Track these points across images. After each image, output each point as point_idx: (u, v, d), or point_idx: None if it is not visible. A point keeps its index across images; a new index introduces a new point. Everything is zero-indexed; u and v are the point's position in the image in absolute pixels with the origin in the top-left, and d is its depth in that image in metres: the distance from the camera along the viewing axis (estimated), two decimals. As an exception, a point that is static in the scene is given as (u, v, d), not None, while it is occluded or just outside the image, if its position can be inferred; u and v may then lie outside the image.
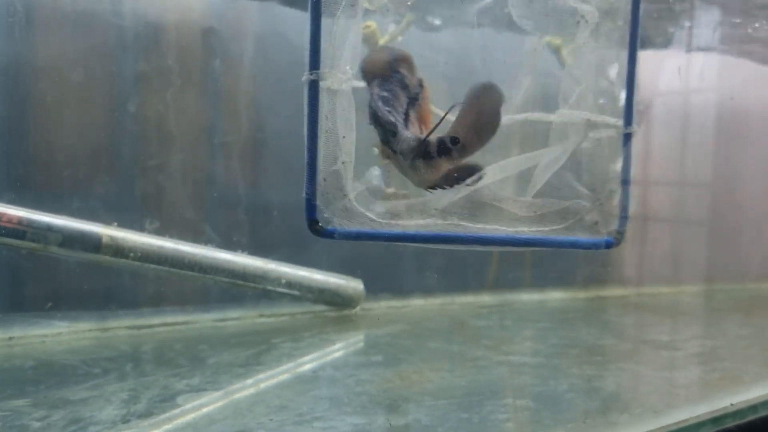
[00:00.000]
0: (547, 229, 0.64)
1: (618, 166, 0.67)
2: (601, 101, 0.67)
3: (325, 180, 0.60)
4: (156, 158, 1.06)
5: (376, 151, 0.63)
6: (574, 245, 0.66)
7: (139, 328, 1.00)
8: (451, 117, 0.62)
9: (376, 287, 1.17)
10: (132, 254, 0.95)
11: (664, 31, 1.33)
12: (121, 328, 0.99)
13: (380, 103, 0.61)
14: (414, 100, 0.64)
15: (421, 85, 0.65)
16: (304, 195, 0.59)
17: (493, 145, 0.63)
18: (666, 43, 1.39)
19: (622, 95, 0.67)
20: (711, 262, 1.57)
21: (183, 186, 1.08)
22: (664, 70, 1.45)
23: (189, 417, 0.68)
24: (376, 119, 0.61)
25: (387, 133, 0.61)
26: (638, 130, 0.67)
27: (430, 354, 0.96)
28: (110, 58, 1.02)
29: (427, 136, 0.61)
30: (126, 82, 1.03)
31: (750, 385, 0.83)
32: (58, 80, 0.99)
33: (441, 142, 0.61)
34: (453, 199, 0.62)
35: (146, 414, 0.67)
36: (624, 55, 0.66)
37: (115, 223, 0.96)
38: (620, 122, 0.66)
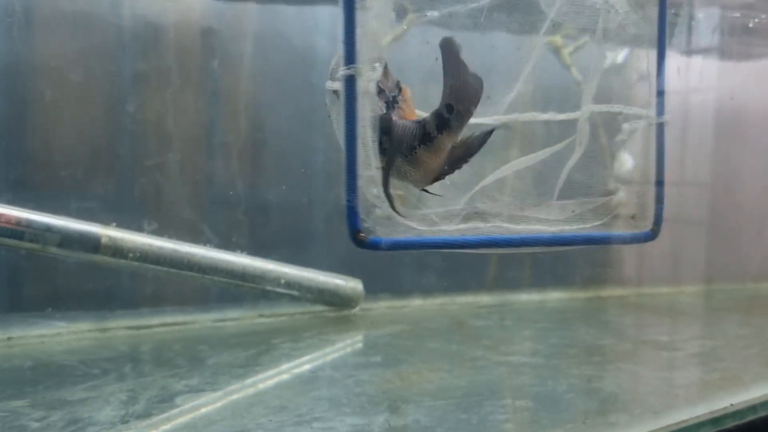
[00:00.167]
0: (588, 226, 0.64)
1: (650, 158, 0.66)
2: (628, 93, 0.66)
3: (362, 187, 0.56)
4: (155, 158, 1.06)
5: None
6: (615, 240, 0.66)
7: (138, 328, 1.00)
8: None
9: (375, 287, 1.17)
10: (131, 254, 0.95)
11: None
12: (120, 328, 0.99)
13: None
14: (393, 103, 0.62)
15: (398, 87, 0.63)
16: (345, 203, 0.56)
17: (498, 147, 0.62)
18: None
19: (648, 86, 0.66)
20: (711, 262, 1.57)
21: (182, 186, 1.08)
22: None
23: (188, 417, 0.67)
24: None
25: (380, 133, 0.58)
26: (670, 121, 0.66)
27: (429, 354, 0.96)
28: (109, 58, 1.02)
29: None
30: (125, 82, 1.03)
31: (750, 386, 0.83)
32: (56, 80, 0.99)
33: (437, 115, 0.60)
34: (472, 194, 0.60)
35: (145, 415, 0.66)
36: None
37: (114, 224, 0.96)
38: (652, 113, 0.66)
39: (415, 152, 0.60)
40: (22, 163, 0.98)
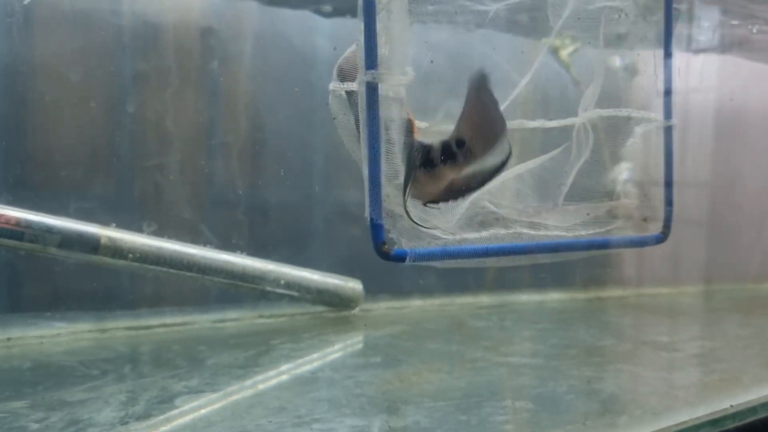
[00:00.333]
0: (603, 230, 0.63)
1: (658, 160, 0.66)
2: (635, 97, 0.66)
3: (388, 197, 0.54)
4: (154, 158, 1.06)
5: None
6: (628, 244, 0.65)
7: (137, 329, 1.00)
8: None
9: (375, 288, 1.17)
10: (130, 255, 0.95)
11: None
12: (119, 329, 0.99)
13: None
14: None
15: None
16: (367, 216, 0.53)
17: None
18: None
19: (654, 90, 0.66)
20: (710, 262, 1.57)
21: (182, 186, 1.08)
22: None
23: (187, 418, 0.67)
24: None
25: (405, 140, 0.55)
26: (677, 124, 0.66)
27: (429, 355, 0.96)
28: (109, 58, 1.02)
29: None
30: (125, 82, 1.03)
31: (749, 387, 0.83)
32: (56, 80, 0.99)
33: (445, 146, 0.56)
34: (460, 213, 0.59)
35: (144, 416, 0.66)
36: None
37: (114, 224, 0.96)
38: (660, 116, 0.66)
39: (414, 172, 0.56)
40: (21, 163, 0.98)
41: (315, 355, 0.93)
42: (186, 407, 0.70)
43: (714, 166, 1.58)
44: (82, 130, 1.02)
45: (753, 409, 0.75)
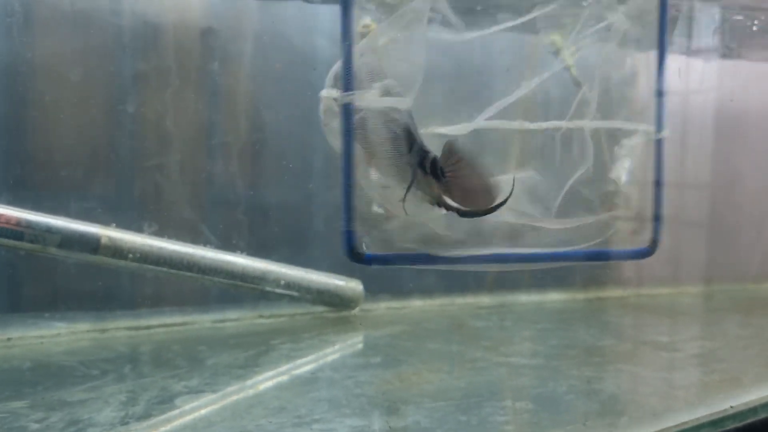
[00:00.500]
0: (586, 245, 0.64)
1: (648, 173, 0.66)
2: (626, 108, 0.66)
3: (364, 208, 0.57)
4: (154, 158, 1.06)
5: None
6: (613, 257, 0.66)
7: (137, 329, 1.00)
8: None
9: (375, 288, 1.17)
10: (131, 255, 0.95)
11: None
12: (119, 329, 0.99)
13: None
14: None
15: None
16: (342, 227, 0.57)
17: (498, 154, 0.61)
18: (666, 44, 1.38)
19: (645, 100, 0.66)
20: (710, 262, 1.57)
21: (182, 186, 1.08)
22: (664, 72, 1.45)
23: (187, 419, 0.67)
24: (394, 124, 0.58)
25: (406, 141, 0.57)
26: (669, 135, 0.66)
27: (429, 355, 0.96)
28: (109, 58, 1.02)
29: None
30: (125, 82, 1.03)
31: (750, 387, 0.83)
32: (56, 80, 0.99)
33: (434, 162, 0.58)
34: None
35: (144, 416, 0.66)
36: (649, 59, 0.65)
37: (114, 224, 0.96)
38: (651, 128, 0.65)
39: (416, 170, 0.58)
40: (21, 163, 0.98)
41: (315, 355, 0.93)
42: (186, 407, 0.70)
43: (714, 167, 1.58)
44: (82, 130, 1.02)
45: (753, 410, 0.75)
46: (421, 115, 0.62)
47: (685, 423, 0.70)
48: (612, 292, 1.47)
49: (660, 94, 0.65)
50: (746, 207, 1.69)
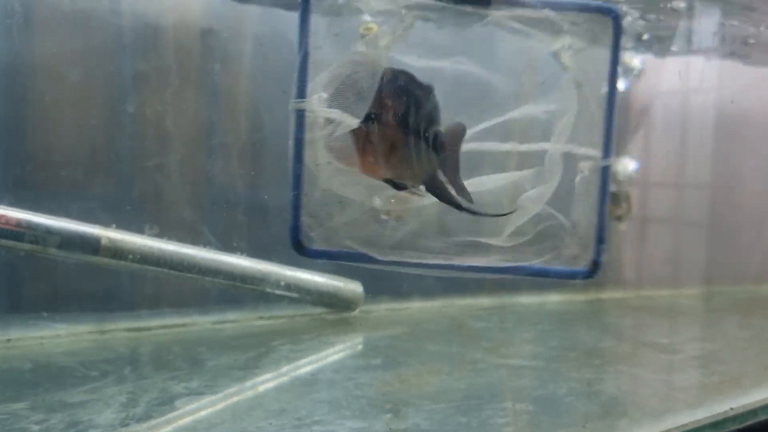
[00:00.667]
0: (527, 263, 0.65)
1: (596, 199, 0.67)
2: (585, 133, 0.67)
3: (309, 204, 0.62)
4: (155, 159, 1.06)
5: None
6: (552, 275, 0.67)
7: (137, 330, 1.00)
8: None
9: (375, 289, 1.17)
10: (131, 256, 0.94)
11: (664, 33, 1.33)
12: (119, 330, 0.99)
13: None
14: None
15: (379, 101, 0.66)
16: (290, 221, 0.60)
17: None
18: (666, 45, 1.38)
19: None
20: (710, 263, 1.57)
21: (182, 186, 1.08)
22: (664, 72, 1.45)
23: (187, 420, 0.67)
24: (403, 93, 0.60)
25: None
26: (614, 162, 0.68)
27: (429, 357, 0.96)
28: (109, 58, 1.02)
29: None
30: (125, 82, 1.03)
31: (750, 389, 0.83)
32: (56, 80, 0.99)
33: (436, 136, 0.62)
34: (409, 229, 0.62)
35: (144, 417, 0.66)
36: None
37: (114, 225, 0.96)
38: (599, 154, 0.66)
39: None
40: (21, 164, 0.98)
41: (315, 357, 0.93)
42: (186, 409, 0.70)
43: (714, 167, 1.58)
44: (82, 130, 1.02)
45: (753, 412, 0.75)
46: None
47: (685, 425, 0.70)
48: (612, 294, 1.47)
49: (609, 119, 0.65)
50: (746, 207, 1.69)
